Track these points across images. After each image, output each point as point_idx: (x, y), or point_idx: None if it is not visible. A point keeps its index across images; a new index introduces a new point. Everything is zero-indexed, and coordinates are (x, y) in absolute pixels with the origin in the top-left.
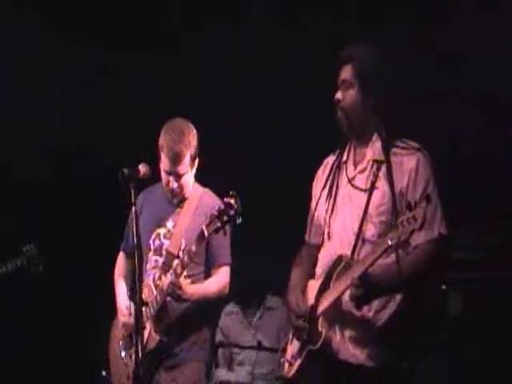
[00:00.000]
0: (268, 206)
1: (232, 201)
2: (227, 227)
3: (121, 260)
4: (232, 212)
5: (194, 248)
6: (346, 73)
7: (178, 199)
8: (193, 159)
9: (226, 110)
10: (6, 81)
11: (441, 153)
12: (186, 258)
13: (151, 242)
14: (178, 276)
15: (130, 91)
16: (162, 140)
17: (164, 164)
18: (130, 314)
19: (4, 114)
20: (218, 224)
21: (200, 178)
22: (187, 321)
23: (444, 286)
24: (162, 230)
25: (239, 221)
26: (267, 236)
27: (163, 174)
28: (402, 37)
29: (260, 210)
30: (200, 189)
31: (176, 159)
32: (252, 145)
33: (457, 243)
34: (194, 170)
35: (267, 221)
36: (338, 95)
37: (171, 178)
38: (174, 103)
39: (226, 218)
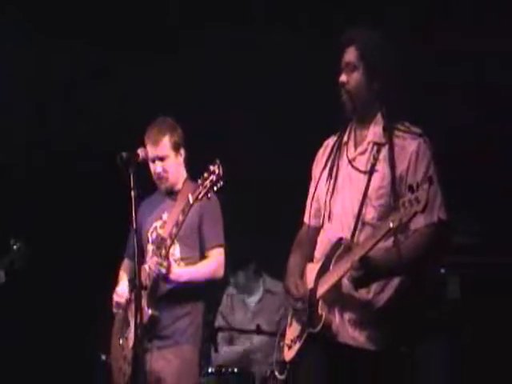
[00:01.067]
0: (266, 199)
1: (214, 167)
2: (211, 193)
3: (124, 263)
4: (214, 177)
5: (180, 217)
6: (350, 55)
7: (166, 185)
8: (175, 146)
9: (225, 110)
10: (6, 81)
11: (440, 141)
12: (174, 229)
13: (149, 234)
14: (166, 251)
15: (130, 91)
16: (145, 136)
17: (149, 154)
18: (124, 296)
19: (4, 113)
20: (203, 190)
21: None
22: (179, 297)
23: (443, 270)
24: (158, 223)
25: (221, 184)
26: (264, 220)
27: (150, 166)
28: (401, 33)
29: (257, 202)
30: (192, 184)
31: (155, 142)
32: (251, 143)
33: (456, 228)
34: (181, 159)
35: (263, 206)
36: (343, 78)
37: (155, 164)
38: (173, 103)
39: (208, 184)
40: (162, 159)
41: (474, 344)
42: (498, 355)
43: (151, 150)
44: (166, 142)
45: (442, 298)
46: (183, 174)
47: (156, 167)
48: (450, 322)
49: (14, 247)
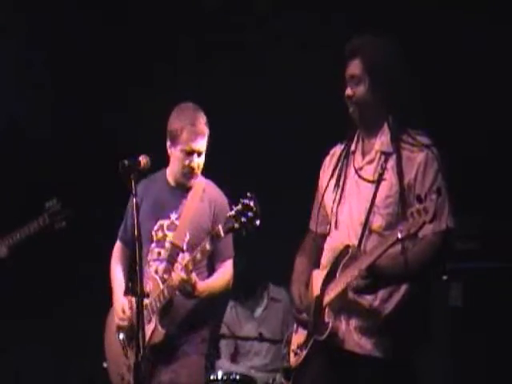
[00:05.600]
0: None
1: (251, 202)
2: (246, 230)
3: (118, 249)
4: (251, 214)
5: (208, 247)
6: (355, 68)
7: (191, 182)
8: (207, 142)
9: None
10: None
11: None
12: (198, 256)
13: (154, 233)
14: (188, 273)
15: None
16: (180, 122)
17: (185, 143)
18: (125, 319)
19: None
20: (236, 225)
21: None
22: (193, 315)
23: (445, 277)
24: (165, 222)
25: (257, 223)
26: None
27: (182, 156)
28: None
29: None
30: (203, 180)
31: (201, 134)
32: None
33: (458, 233)
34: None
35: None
36: (348, 91)
37: (193, 157)
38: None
39: (244, 220)
40: (199, 154)
41: (477, 351)
42: (500, 361)
43: (193, 141)
44: (205, 139)
45: (443, 304)
46: None
47: (193, 161)
48: (452, 329)
49: (50, 209)
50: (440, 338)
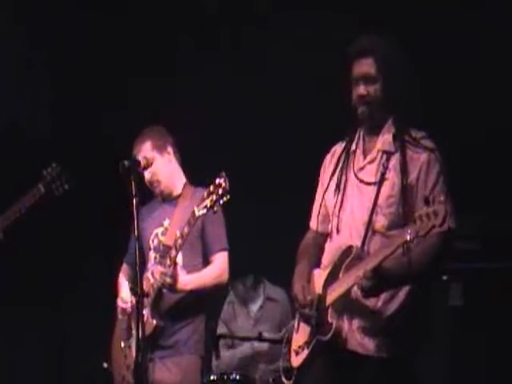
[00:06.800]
0: (263, 205)
1: (221, 180)
2: (217, 206)
3: (123, 269)
4: (221, 190)
5: (186, 229)
6: (369, 67)
7: (160, 189)
8: (158, 148)
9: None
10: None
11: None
12: (179, 241)
13: (151, 242)
14: (171, 262)
15: None
16: None
17: None
18: (129, 302)
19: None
20: (209, 203)
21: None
22: (183, 307)
23: (445, 277)
24: (159, 230)
25: (227, 198)
26: (263, 226)
27: None
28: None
29: (255, 208)
30: (192, 188)
31: (137, 148)
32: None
33: (458, 233)
34: (169, 157)
35: (260, 212)
36: (362, 91)
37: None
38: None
39: (215, 197)
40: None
41: (477, 351)
42: (500, 361)
43: (134, 151)
44: (148, 146)
45: (443, 304)
46: (180, 176)
47: (145, 175)
48: (453, 329)
49: (48, 175)
50: (440, 337)
